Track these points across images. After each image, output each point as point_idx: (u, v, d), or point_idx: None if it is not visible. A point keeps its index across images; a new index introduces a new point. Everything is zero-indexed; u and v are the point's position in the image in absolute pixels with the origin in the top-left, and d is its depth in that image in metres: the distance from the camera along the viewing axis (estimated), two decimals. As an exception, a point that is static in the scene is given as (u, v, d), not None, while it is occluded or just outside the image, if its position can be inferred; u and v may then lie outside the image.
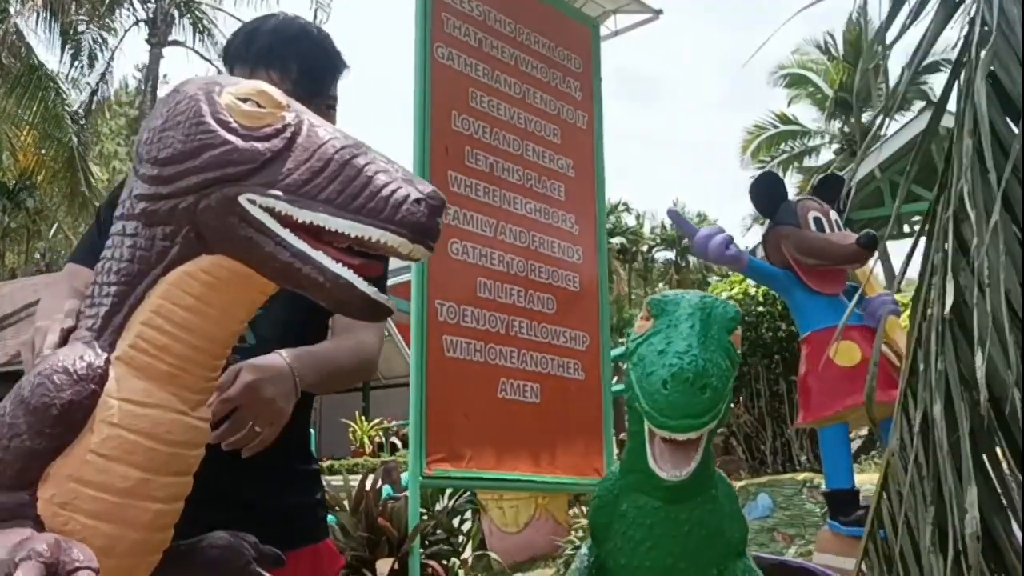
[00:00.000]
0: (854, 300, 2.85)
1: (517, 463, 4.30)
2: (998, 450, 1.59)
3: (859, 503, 4.61)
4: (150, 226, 1.18)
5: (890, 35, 1.77)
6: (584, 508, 5.25)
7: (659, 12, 6.79)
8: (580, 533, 4.86)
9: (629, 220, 38.02)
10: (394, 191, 1.10)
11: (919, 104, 20.84)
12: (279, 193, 1.12)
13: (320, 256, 1.12)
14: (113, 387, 1.12)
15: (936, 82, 24.58)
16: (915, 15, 1.68)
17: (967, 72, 1.72)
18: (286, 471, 1.86)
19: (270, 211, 1.12)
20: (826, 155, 26.21)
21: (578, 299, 4.64)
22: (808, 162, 26.62)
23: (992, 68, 1.66)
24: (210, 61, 20.62)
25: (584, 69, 4.96)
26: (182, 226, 1.16)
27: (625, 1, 6.55)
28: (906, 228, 15.28)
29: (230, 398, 1.47)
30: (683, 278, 37.32)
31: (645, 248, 38.38)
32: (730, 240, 4.52)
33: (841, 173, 4.94)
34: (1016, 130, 1.62)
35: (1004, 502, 1.60)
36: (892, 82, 2.14)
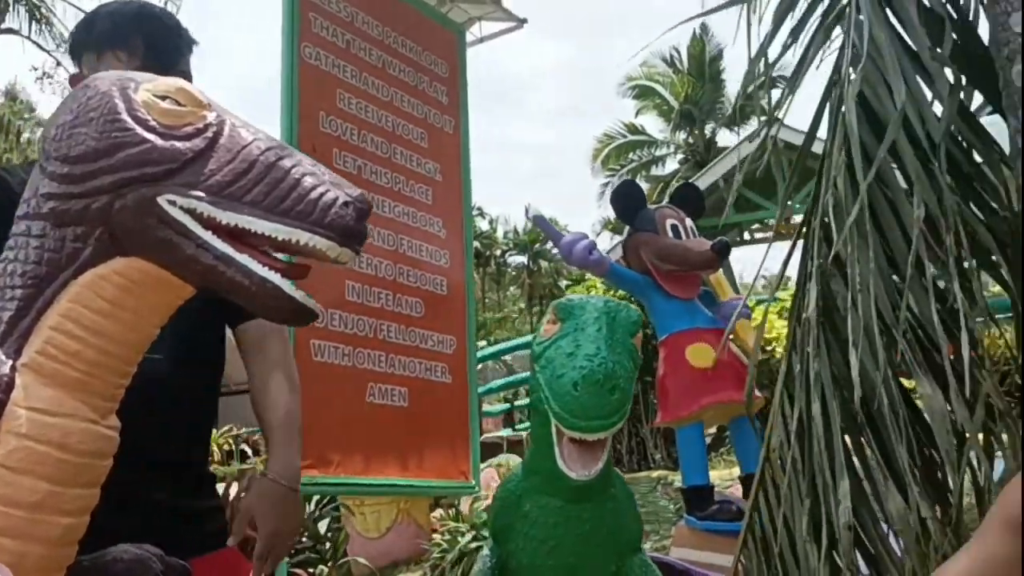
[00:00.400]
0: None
1: (385, 467, 4.28)
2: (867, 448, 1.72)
3: (714, 499, 4.83)
4: (60, 227, 1.13)
5: (772, 53, 1.88)
6: (448, 511, 5.27)
7: (524, 21, 6.89)
8: (446, 536, 4.87)
9: (482, 224, 38.29)
10: (322, 194, 1.09)
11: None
12: (201, 194, 1.09)
13: (245, 259, 1.10)
14: (20, 396, 1.06)
15: (773, 97, 25.84)
16: (795, 35, 1.80)
17: (838, 92, 1.85)
18: (193, 474, 1.87)
19: (191, 212, 1.09)
20: (671, 165, 27.22)
21: (445, 302, 4.66)
22: (655, 171, 27.55)
23: (861, 89, 1.79)
24: (48, 52, 19.47)
25: (450, 74, 4.99)
26: (95, 227, 1.12)
27: (490, 8, 6.62)
28: (746, 235, 16.06)
29: (261, 556, 1.68)
30: (535, 282, 37.84)
31: (498, 252, 38.72)
32: (593, 246, 4.64)
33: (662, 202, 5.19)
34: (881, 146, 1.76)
35: (871, 494, 1.73)
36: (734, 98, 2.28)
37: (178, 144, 1.12)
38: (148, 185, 1.10)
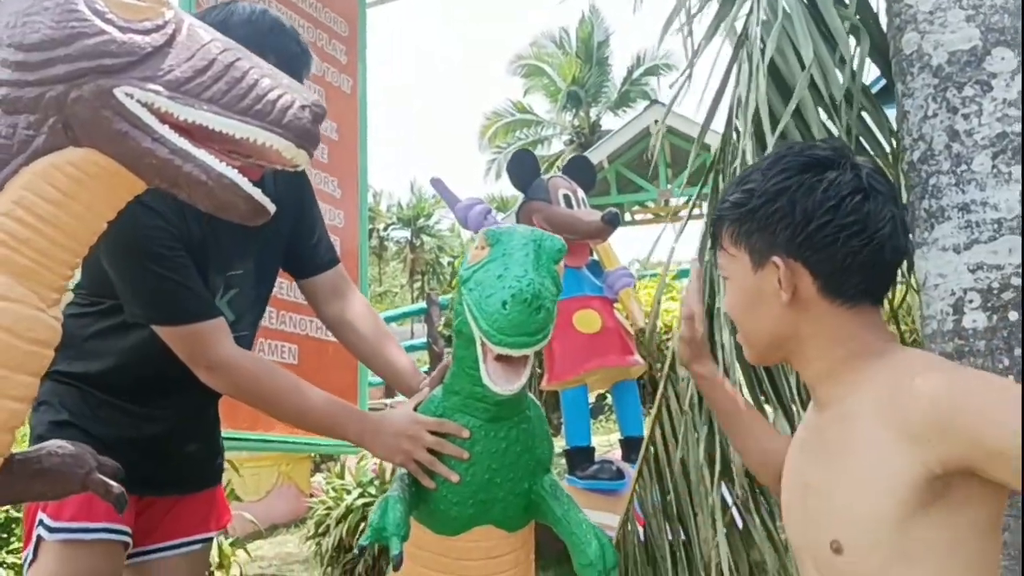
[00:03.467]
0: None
1: (272, 423, 4.24)
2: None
3: (594, 460, 5.00)
4: (12, 113, 1.11)
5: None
6: (332, 472, 5.27)
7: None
8: (331, 493, 4.88)
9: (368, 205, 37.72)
10: (280, 96, 1.12)
11: (643, 103, 22.40)
12: (159, 88, 1.10)
13: (203, 154, 1.11)
14: None
15: (655, 84, 26.54)
16: (700, 8, 1.90)
17: (745, 53, 1.96)
18: (215, 417, 2.18)
19: (148, 106, 1.10)
20: (557, 145, 27.52)
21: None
22: (540, 151, 27.84)
23: (770, 56, 1.91)
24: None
25: (350, 33, 4.96)
26: (48, 116, 1.11)
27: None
28: (627, 216, 16.43)
29: None
30: (417, 257, 37.74)
31: (382, 226, 38.41)
32: (489, 211, 4.70)
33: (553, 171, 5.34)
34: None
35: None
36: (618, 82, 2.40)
37: (137, 38, 1.12)
38: (105, 77, 1.10)
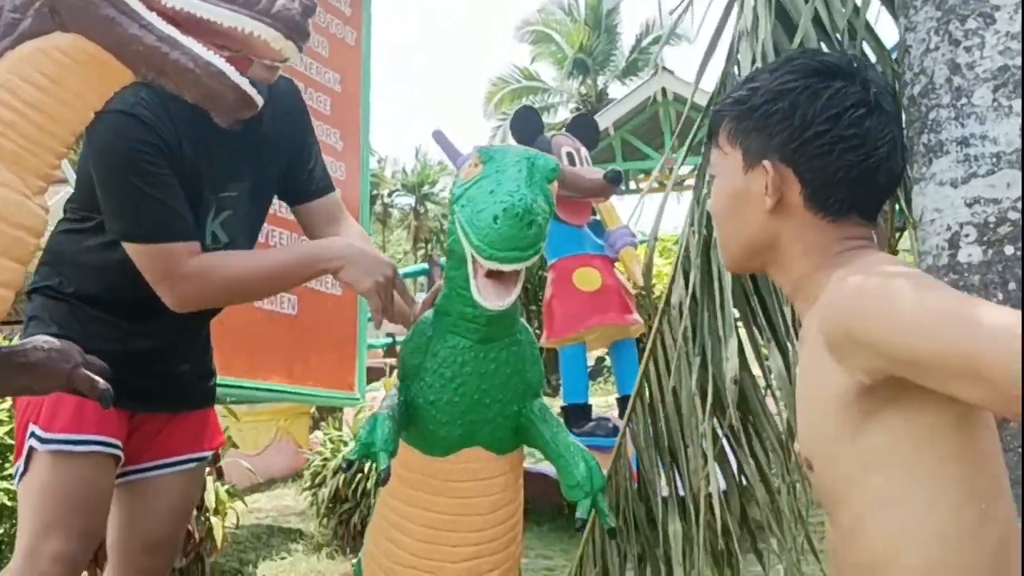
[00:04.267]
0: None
1: (271, 373, 4.28)
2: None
3: (591, 417, 5.02)
4: None
5: None
6: (331, 428, 5.29)
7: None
8: (329, 445, 4.90)
9: (371, 163, 37.57)
10: None
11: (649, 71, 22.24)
12: None
13: (190, 42, 1.10)
14: None
15: (663, 52, 26.35)
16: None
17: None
18: (206, 339, 2.19)
19: None
20: (563, 112, 27.39)
21: (339, 215, 4.64)
22: (546, 118, 27.66)
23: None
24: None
25: (355, -15, 4.91)
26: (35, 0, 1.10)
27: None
28: (632, 185, 16.38)
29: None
30: (421, 224, 37.68)
31: (386, 193, 38.31)
32: (491, 166, 4.65)
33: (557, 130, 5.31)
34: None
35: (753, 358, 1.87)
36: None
37: None
38: None
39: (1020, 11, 1.69)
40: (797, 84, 1.17)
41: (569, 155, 4.98)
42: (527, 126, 5.03)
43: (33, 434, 1.86)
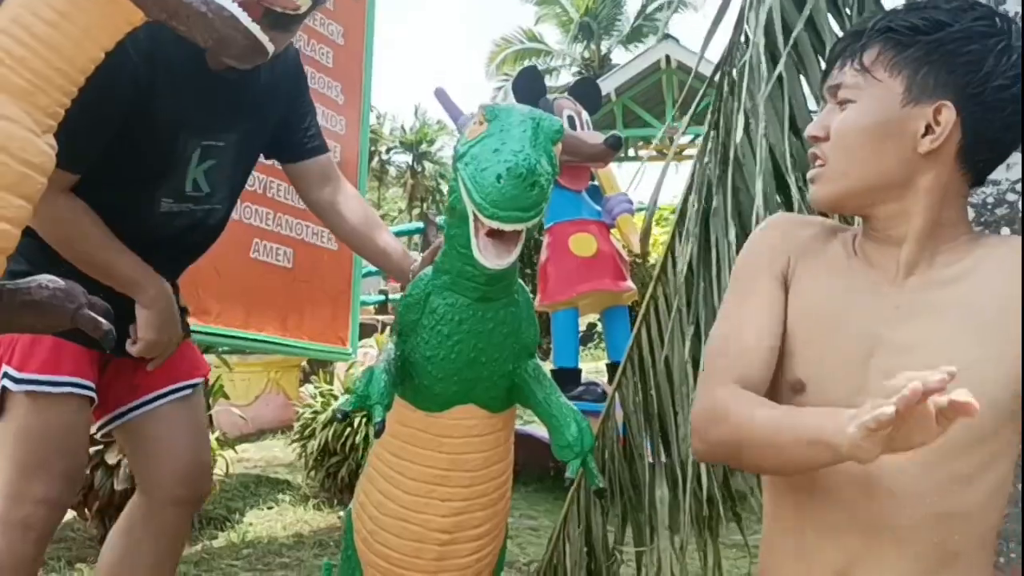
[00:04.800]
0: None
1: (265, 324, 4.29)
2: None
3: (580, 381, 5.05)
4: None
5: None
6: (324, 379, 5.31)
7: None
8: (319, 398, 4.93)
9: (370, 119, 37.29)
10: None
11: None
12: None
13: None
14: None
15: (669, 21, 26.13)
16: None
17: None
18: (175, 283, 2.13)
19: None
20: (566, 76, 27.19)
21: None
22: (549, 82, 27.37)
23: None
24: None
25: (360, -64, 4.86)
26: None
27: None
28: (631, 152, 16.32)
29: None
30: (417, 183, 37.54)
31: (384, 149, 38.11)
32: (492, 126, 4.63)
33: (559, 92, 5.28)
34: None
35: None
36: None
37: None
38: None
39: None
40: (990, 32, 1.12)
41: (570, 118, 4.96)
42: (530, 87, 5.00)
43: (6, 374, 1.86)
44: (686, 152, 19.09)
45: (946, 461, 1.09)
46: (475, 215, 1.45)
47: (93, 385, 1.94)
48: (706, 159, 2.03)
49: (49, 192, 1.72)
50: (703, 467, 1.87)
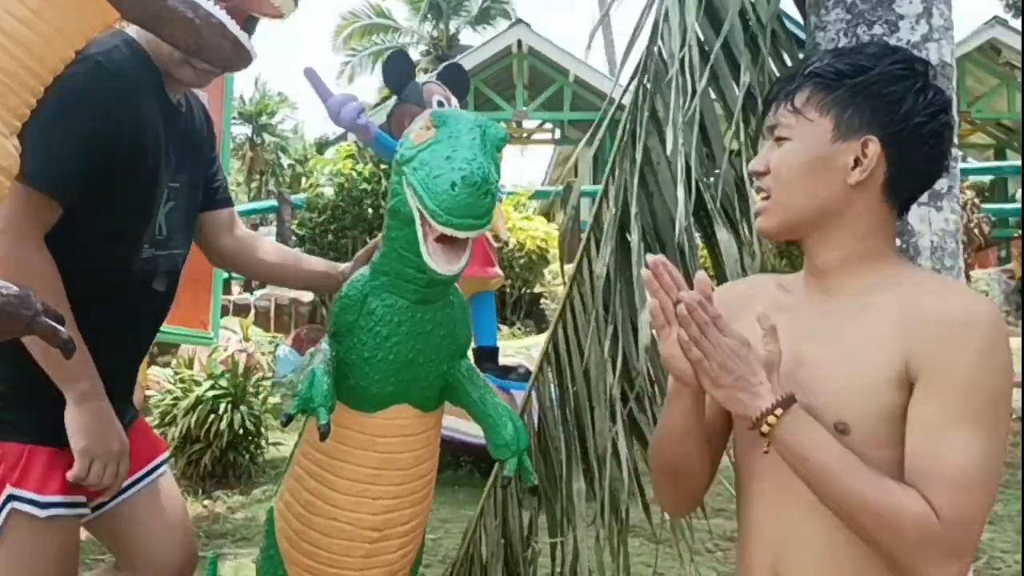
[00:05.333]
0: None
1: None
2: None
3: (498, 361, 5.14)
4: None
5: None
6: (172, 363, 5.14)
7: None
8: (179, 384, 4.77)
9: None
10: None
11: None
12: None
13: None
14: None
15: (515, 2, 26.41)
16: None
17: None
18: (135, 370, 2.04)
19: None
20: (413, 55, 26.93)
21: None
22: (395, 59, 27.14)
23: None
24: None
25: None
26: None
27: None
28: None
29: None
30: (257, 156, 36.39)
31: (220, 120, 36.70)
32: (362, 108, 4.63)
33: (429, 76, 5.28)
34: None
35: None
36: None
37: None
38: None
39: (923, 21, 1.84)
40: (907, 74, 1.25)
41: (440, 103, 4.95)
42: (399, 70, 4.97)
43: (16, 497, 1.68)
44: (534, 137, 19.40)
45: (852, 443, 1.22)
46: (426, 220, 1.46)
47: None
48: (619, 170, 2.10)
49: (27, 234, 1.59)
50: (624, 461, 1.95)
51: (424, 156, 1.49)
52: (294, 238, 9.01)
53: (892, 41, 1.83)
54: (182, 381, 4.78)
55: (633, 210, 1.95)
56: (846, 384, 1.21)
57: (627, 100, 2.13)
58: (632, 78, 2.15)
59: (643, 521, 2.18)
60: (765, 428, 1.17)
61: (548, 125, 18.27)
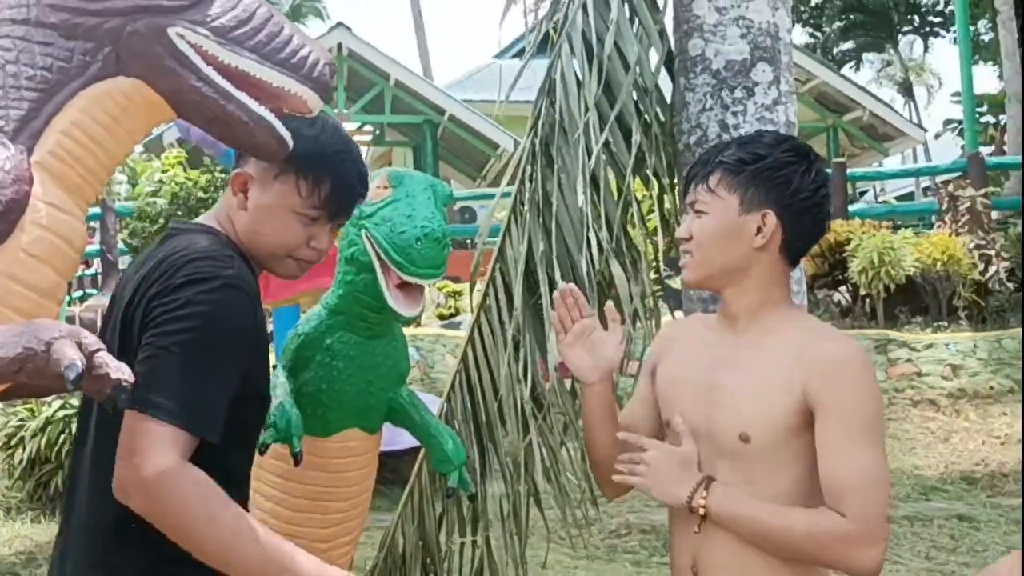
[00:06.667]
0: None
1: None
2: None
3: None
4: (70, 39, 1.17)
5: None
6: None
7: None
8: (24, 413, 4.64)
9: None
10: (309, 52, 1.26)
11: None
12: (208, 33, 1.19)
13: (244, 97, 1.22)
14: (39, 191, 1.13)
15: (328, 1, 26.15)
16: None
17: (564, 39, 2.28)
18: None
19: (197, 48, 1.19)
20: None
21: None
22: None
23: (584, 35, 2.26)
24: None
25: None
26: (104, 45, 1.18)
27: None
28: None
29: None
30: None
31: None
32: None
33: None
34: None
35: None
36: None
37: None
38: (160, 15, 1.17)
39: (773, 88, 2.21)
40: (795, 160, 1.59)
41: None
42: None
43: None
44: (355, 139, 19.37)
45: (745, 464, 1.56)
46: (388, 269, 1.68)
47: None
48: (526, 207, 2.36)
49: (171, 465, 1.25)
50: (538, 469, 2.22)
51: (385, 213, 1.71)
52: (125, 247, 8.71)
53: (750, 104, 2.19)
54: (26, 402, 4.65)
55: (541, 247, 2.23)
56: (749, 403, 1.54)
57: (521, 145, 2.42)
58: (529, 131, 2.43)
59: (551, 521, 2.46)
60: (701, 510, 1.50)
61: (368, 128, 18.33)
